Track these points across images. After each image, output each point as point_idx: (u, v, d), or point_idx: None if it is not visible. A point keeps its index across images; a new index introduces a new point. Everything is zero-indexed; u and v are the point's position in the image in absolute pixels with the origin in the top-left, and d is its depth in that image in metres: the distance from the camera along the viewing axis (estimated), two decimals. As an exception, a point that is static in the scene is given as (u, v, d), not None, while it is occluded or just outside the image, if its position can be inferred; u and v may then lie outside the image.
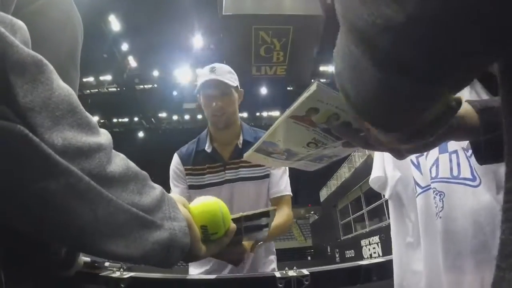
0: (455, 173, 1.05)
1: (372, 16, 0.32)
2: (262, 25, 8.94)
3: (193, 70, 24.78)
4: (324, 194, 24.87)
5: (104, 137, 0.54)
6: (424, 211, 1.12)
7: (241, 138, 1.79)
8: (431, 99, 0.43)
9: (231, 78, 1.74)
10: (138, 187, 0.57)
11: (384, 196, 1.45)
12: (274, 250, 1.90)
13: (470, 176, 1.00)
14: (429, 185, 1.10)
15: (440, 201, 1.04)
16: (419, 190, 1.16)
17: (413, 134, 0.59)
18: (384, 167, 1.36)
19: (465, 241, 0.96)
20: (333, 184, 22.67)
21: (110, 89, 27.24)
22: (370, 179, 1.42)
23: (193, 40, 20.94)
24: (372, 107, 0.45)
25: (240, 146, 1.77)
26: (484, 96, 0.98)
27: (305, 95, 0.62)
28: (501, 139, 0.63)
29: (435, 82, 0.37)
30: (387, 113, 0.45)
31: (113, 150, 0.56)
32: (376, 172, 1.38)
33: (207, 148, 1.80)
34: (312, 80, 0.61)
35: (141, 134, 31.22)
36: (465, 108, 0.71)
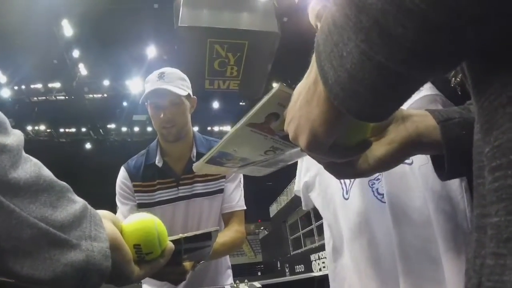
0: None
1: None
2: (217, 39, 8.97)
3: (144, 81, 24.42)
4: (274, 209, 25.02)
5: (13, 138, 0.47)
6: (362, 199, 1.05)
7: (194, 150, 1.65)
8: (420, 83, 0.42)
9: (182, 85, 1.59)
10: (51, 200, 0.50)
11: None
12: (230, 264, 1.82)
13: None
14: None
15: (377, 184, 1.01)
16: (350, 181, 1.10)
17: None
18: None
19: (413, 220, 0.93)
20: (283, 199, 22.86)
21: (58, 97, 26.24)
22: (295, 190, 1.37)
23: (146, 50, 20.64)
24: (357, 92, 0.42)
25: (193, 159, 1.62)
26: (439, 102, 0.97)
27: (265, 98, 0.58)
28: (462, 153, 0.63)
29: (429, 69, 0.38)
30: (372, 99, 0.43)
31: (26, 155, 0.49)
32: (297, 186, 1.33)
33: (158, 162, 1.64)
34: (274, 85, 0.55)
35: (88, 145, 30.23)
36: (428, 120, 0.70)
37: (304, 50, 0.50)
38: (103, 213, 0.63)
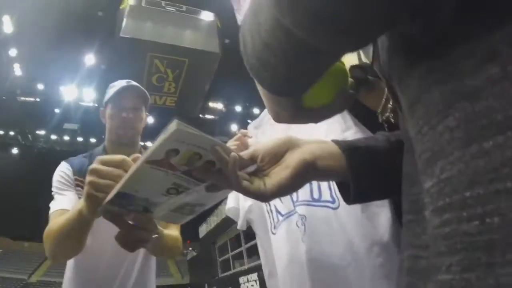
0: (315, 195, 1.04)
1: None
2: (158, 53, 8.91)
3: (79, 89, 23.57)
4: (203, 230, 24.68)
5: None
6: (287, 238, 1.06)
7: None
8: (330, 57, 0.42)
9: (147, 94, 1.69)
10: None
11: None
12: (155, 286, 1.71)
13: (330, 199, 0.99)
14: (291, 210, 1.08)
15: (302, 225, 1.01)
16: (280, 218, 1.12)
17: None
18: (239, 197, 1.33)
19: (332, 265, 0.94)
20: (213, 220, 22.65)
21: (-12, 96, 24.92)
22: (226, 208, 1.38)
23: (85, 57, 20.08)
24: (268, 61, 0.41)
25: None
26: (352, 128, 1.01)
27: (164, 136, 0.56)
28: (367, 180, 0.68)
29: (348, 36, 0.35)
30: (287, 69, 0.42)
31: None
32: (230, 202, 1.35)
33: None
34: (173, 120, 0.56)
35: (15, 150, 28.55)
36: (330, 148, 0.70)
37: (244, 73, 0.49)
38: None
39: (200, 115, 21.71)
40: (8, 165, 26.83)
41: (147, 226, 0.85)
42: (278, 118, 0.61)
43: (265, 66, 0.43)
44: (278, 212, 1.13)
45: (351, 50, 0.41)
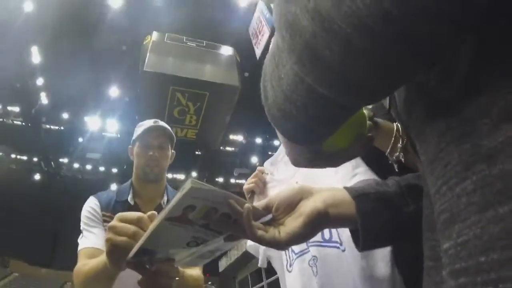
0: (326, 236, 1.05)
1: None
2: (179, 87, 9.04)
3: (103, 120, 24.04)
4: (223, 264, 24.31)
5: None
6: (300, 276, 1.08)
7: (165, 197, 1.74)
8: (350, 110, 0.43)
9: (172, 134, 1.80)
10: None
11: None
12: None
13: (338, 240, 1.01)
14: (304, 249, 1.09)
15: (314, 265, 1.02)
16: (293, 256, 1.13)
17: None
18: None
19: None
20: (234, 254, 22.34)
21: (15, 122, 25.48)
22: (247, 245, 1.40)
23: (109, 90, 20.55)
24: (290, 113, 0.43)
25: (163, 205, 1.67)
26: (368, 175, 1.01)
27: (180, 194, 0.59)
28: (377, 227, 0.69)
29: (362, 94, 0.38)
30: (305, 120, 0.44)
31: None
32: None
33: (130, 200, 1.69)
34: (189, 178, 0.61)
35: (37, 176, 28.95)
36: (342, 195, 0.72)
37: (263, 105, 0.53)
38: None
39: (221, 147, 21.78)
40: (30, 190, 27.12)
41: (169, 273, 0.85)
42: (297, 163, 0.64)
43: (287, 117, 0.44)
44: (292, 250, 1.15)
45: (372, 103, 0.44)
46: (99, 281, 1.17)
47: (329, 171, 1.03)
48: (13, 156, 28.12)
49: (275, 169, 1.30)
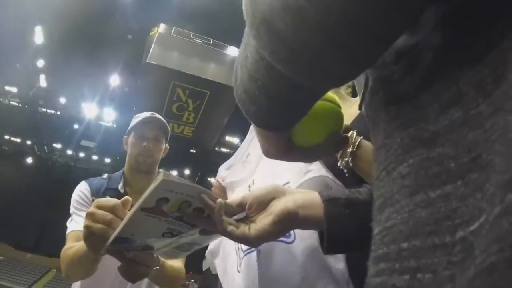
0: None
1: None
2: (181, 83, 9.03)
3: (100, 108, 23.98)
4: (207, 263, 24.36)
5: None
6: (246, 273, 1.06)
7: None
8: (311, 94, 0.42)
9: (168, 127, 1.87)
10: None
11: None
12: None
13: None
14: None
15: (257, 260, 1.02)
16: (242, 254, 1.10)
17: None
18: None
19: None
20: (217, 255, 22.37)
21: (11, 102, 25.35)
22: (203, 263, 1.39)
23: (110, 78, 20.45)
24: (254, 94, 0.42)
25: None
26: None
27: (152, 186, 0.61)
28: (343, 232, 0.70)
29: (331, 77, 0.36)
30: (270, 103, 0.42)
31: None
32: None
33: (120, 188, 1.74)
34: (159, 170, 0.56)
35: (29, 159, 28.80)
36: (313, 198, 0.73)
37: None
38: None
39: (216, 148, 21.77)
40: (20, 173, 27.07)
41: (146, 262, 0.89)
42: (268, 154, 0.62)
43: (251, 98, 0.43)
44: (241, 249, 1.13)
45: (332, 86, 0.42)
46: (83, 263, 1.25)
47: (285, 168, 1.03)
48: (6, 137, 27.99)
49: (230, 172, 1.29)
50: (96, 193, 1.68)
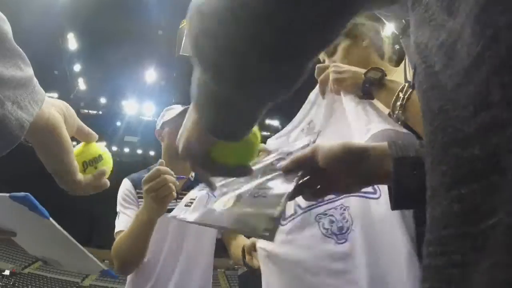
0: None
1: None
2: (216, 71, 9.11)
3: (139, 104, 24.48)
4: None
5: None
6: (302, 236, 1.06)
7: (193, 173, 1.79)
8: (248, 106, 0.47)
9: None
10: None
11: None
12: None
13: (371, 190, 0.98)
14: (312, 204, 1.07)
15: (348, 215, 1.01)
16: (299, 211, 1.10)
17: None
18: None
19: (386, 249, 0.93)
20: (266, 236, 22.49)
21: (54, 108, 26.31)
22: None
23: (145, 74, 20.82)
24: (202, 106, 0.48)
25: (192, 179, 1.77)
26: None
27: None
28: (409, 192, 0.69)
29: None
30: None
31: None
32: None
33: None
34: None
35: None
36: (384, 154, 0.73)
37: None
38: (57, 103, 0.64)
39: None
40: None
41: None
42: (188, 148, 0.61)
43: (200, 111, 0.50)
44: (297, 205, 1.12)
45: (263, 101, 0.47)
46: (139, 238, 1.38)
47: (350, 131, 1.01)
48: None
49: (282, 142, 1.26)
50: (139, 185, 1.66)
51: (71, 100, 24.78)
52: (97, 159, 0.74)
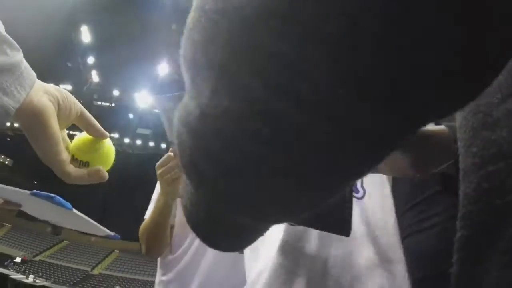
0: None
1: None
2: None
3: (152, 97, 24.64)
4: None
5: None
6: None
7: None
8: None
9: None
10: None
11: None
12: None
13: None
14: None
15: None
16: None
17: None
18: None
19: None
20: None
21: (68, 99, 26.60)
22: None
23: (158, 67, 20.92)
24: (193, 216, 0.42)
25: None
26: None
27: None
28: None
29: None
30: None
31: None
32: None
33: None
34: None
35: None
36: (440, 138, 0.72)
37: None
38: (51, 89, 0.61)
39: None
40: (81, 163, 28.33)
41: None
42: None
43: (191, 220, 0.42)
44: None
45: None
46: (156, 221, 1.45)
47: None
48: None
49: None
50: None
51: (84, 92, 25.00)
52: (89, 163, 0.68)
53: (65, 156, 0.62)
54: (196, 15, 0.24)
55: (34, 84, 0.57)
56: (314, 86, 0.20)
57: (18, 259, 21.49)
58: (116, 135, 29.07)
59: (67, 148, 0.65)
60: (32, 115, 0.57)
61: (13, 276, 10.60)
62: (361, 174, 0.25)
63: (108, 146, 0.73)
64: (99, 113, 26.28)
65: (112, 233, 1.09)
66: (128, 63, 20.31)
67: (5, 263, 19.30)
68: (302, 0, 0.18)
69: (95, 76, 24.29)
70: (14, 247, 23.44)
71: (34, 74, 0.57)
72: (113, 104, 26.66)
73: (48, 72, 22.57)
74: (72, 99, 0.65)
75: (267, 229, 0.38)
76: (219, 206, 0.30)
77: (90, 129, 0.70)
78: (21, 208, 0.96)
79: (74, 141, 0.69)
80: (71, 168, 0.63)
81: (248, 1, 0.20)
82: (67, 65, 22.87)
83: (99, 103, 26.67)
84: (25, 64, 0.56)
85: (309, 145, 0.21)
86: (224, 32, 0.21)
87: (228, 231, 0.39)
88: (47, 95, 0.59)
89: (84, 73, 23.79)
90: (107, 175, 0.70)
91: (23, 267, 21.49)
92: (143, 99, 25.00)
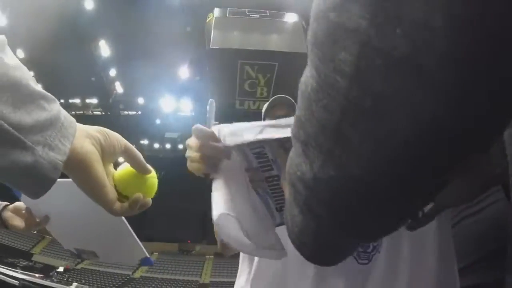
0: None
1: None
2: (248, 60, 9.04)
3: (177, 100, 24.88)
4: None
5: None
6: None
7: None
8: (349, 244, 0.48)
9: None
10: (14, 100, 0.48)
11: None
12: None
13: None
14: None
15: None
16: None
17: None
18: None
19: None
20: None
21: (95, 113, 27.10)
22: None
23: (179, 70, 21.07)
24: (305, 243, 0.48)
25: None
26: None
27: None
28: None
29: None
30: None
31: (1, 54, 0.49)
32: None
33: None
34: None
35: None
36: None
37: None
38: (92, 131, 0.61)
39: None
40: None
41: None
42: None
43: (302, 247, 0.48)
44: None
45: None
46: None
47: None
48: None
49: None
50: None
51: (111, 104, 25.46)
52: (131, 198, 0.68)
53: (112, 195, 0.63)
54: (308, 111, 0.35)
55: (75, 132, 0.56)
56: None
57: (61, 269, 22.05)
58: (145, 142, 29.53)
59: (113, 178, 0.67)
60: (77, 163, 0.57)
61: (56, 286, 10.83)
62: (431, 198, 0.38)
63: (151, 182, 0.71)
64: (126, 123, 26.74)
65: (148, 256, 1.06)
66: (149, 70, 20.52)
67: (50, 273, 19.87)
68: None
69: (119, 87, 24.69)
70: (56, 257, 24.03)
71: (73, 120, 0.57)
72: (139, 112, 27.03)
73: (75, 89, 23.12)
74: (115, 136, 0.65)
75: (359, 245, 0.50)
76: (333, 232, 0.40)
77: (134, 164, 0.69)
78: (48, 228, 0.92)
79: (118, 172, 0.69)
80: (117, 206, 0.65)
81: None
82: (91, 80, 23.29)
83: (126, 112, 27.09)
84: (63, 113, 0.55)
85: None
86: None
87: (333, 250, 0.48)
88: (89, 139, 0.59)
89: (108, 85, 24.20)
90: (149, 202, 0.71)
91: (66, 275, 22.06)
92: (168, 104, 25.24)
